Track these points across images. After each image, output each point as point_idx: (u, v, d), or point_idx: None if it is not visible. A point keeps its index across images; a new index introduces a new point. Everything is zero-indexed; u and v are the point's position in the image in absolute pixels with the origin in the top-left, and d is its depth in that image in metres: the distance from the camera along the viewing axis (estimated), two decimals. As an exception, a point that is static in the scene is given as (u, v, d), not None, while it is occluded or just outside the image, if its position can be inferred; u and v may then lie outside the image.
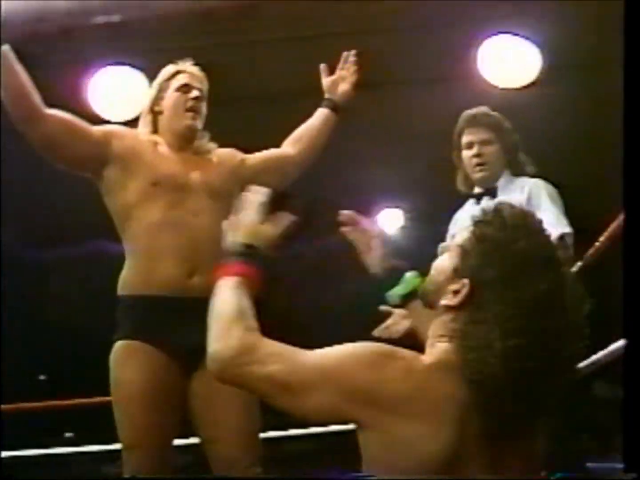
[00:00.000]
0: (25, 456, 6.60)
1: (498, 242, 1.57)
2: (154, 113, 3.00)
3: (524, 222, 1.60)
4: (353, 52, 3.16)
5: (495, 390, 1.49)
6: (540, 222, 1.62)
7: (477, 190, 3.36)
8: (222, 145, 3.06)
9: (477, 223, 1.62)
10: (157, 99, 3.01)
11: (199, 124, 2.99)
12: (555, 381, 1.54)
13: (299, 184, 3.12)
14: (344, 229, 2.16)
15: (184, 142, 2.95)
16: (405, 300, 2.08)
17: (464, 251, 1.61)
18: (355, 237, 2.15)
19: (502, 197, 3.22)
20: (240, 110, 6.93)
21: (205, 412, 2.68)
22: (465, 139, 3.31)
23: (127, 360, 2.64)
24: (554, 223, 3.06)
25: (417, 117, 7.60)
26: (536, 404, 1.54)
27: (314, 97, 3.20)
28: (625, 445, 1.76)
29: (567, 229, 3.16)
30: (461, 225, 3.25)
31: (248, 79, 6.83)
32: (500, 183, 3.32)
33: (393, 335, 2.33)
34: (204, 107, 3.03)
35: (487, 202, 3.21)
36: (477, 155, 3.28)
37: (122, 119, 6.20)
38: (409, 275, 2.08)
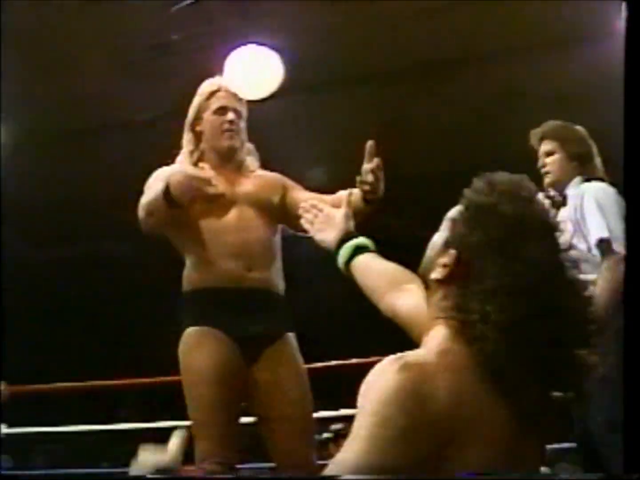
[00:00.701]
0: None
1: (483, 206, 1.48)
2: (195, 132, 3.13)
3: (513, 188, 1.49)
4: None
5: (502, 366, 1.38)
6: (534, 190, 1.52)
7: (555, 198, 3.55)
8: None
9: (466, 192, 1.52)
10: (197, 118, 3.13)
11: (238, 142, 3.12)
12: (564, 352, 1.42)
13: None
14: (303, 220, 2.12)
15: (226, 160, 3.11)
16: (348, 268, 1.95)
17: (453, 222, 1.53)
18: (312, 221, 2.09)
19: (569, 204, 3.45)
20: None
21: (265, 393, 2.86)
22: (539, 152, 3.61)
23: (198, 345, 2.81)
24: (595, 227, 3.30)
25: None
26: (547, 374, 1.41)
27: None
28: (626, 445, 1.69)
29: (605, 233, 3.28)
30: None
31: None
32: (570, 190, 3.51)
33: None
34: (242, 126, 3.14)
35: (562, 210, 3.47)
36: (543, 166, 3.57)
37: (256, 98, 6.47)
38: (353, 241, 1.97)
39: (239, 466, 2.93)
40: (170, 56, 7.04)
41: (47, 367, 10.01)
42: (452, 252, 1.49)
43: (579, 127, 3.66)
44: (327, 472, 1.32)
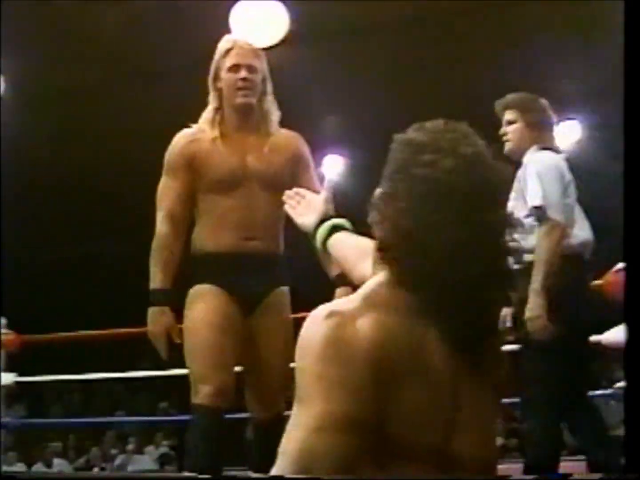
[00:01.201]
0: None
1: (403, 139, 1.50)
2: (217, 89, 3.21)
3: (440, 125, 1.49)
4: None
5: (426, 298, 1.39)
6: (459, 132, 1.48)
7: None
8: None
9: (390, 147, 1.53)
10: (216, 76, 3.20)
11: (253, 99, 3.17)
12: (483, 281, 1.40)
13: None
14: (286, 206, 2.20)
15: (243, 118, 3.19)
16: (324, 246, 2.02)
17: (384, 178, 1.53)
18: (294, 207, 2.17)
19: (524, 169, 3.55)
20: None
21: (256, 346, 3.09)
22: (503, 121, 3.73)
23: (198, 297, 3.07)
24: (532, 195, 3.44)
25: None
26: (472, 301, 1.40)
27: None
28: (626, 445, 1.71)
29: (539, 201, 3.42)
30: None
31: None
32: (526, 158, 3.61)
33: None
34: (257, 82, 3.17)
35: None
36: (504, 134, 3.70)
37: (263, 45, 7.06)
38: (329, 222, 2.02)
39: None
40: (177, 7, 7.00)
41: (66, 316, 10.14)
42: (378, 190, 1.50)
43: (541, 99, 3.76)
44: (283, 443, 1.36)
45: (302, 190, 2.19)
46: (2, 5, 5.94)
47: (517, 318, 3.40)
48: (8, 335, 5.85)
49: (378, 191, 1.50)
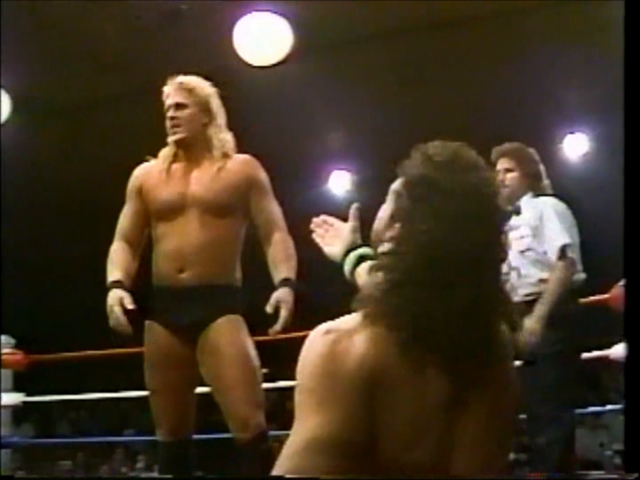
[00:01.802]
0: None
1: (422, 178, 1.48)
2: None
3: (452, 159, 1.49)
4: None
5: (418, 332, 1.41)
6: (471, 158, 1.52)
7: (508, 208, 4.00)
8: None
9: (405, 164, 1.54)
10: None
11: (183, 134, 3.26)
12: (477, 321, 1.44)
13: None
14: (315, 234, 2.19)
15: (184, 151, 3.29)
16: (352, 276, 2.03)
17: (397, 194, 1.54)
18: (323, 235, 2.17)
19: (524, 212, 3.98)
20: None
21: (208, 370, 3.16)
22: (497, 167, 4.06)
23: (147, 336, 3.24)
24: (558, 235, 3.82)
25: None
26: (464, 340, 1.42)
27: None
28: (626, 445, 1.71)
29: (568, 240, 3.81)
30: None
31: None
32: (523, 202, 4.03)
33: None
34: (185, 117, 3.26)
35: (514, 218, 3.96)
36: (502, 180, 4.03)
37: (266, 64, 6.78)
38: (357, 251, 2.05)
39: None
40: (180, 23, 7.03)
41: (70, 335, 10.11)
42: (397, 225, 1.51)
43: (531, 150, 4.17)
44: (280, 459, 1.38)
45: (330, 219, 2.18)
46: (7, 22, 5.98)
47: None
48: (15, 355, 5.85)
49: (397, 226, 1.50)
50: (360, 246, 2.05)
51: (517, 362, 3.75)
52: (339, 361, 1.39)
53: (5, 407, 5.67)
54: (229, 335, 3.16)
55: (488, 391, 1.48)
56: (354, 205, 2.12)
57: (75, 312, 12.18)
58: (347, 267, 2.04)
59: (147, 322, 3.25)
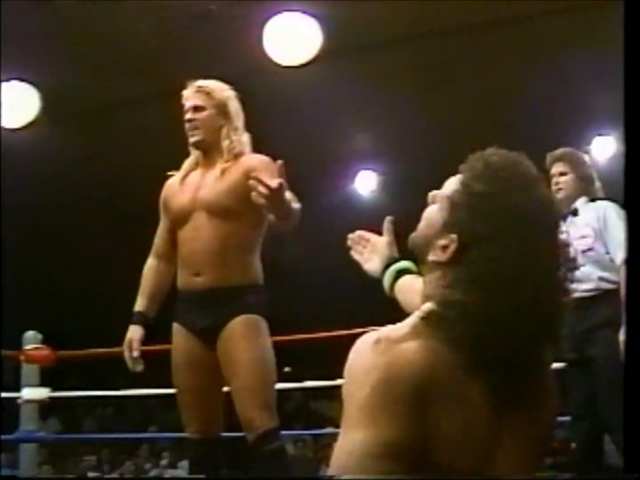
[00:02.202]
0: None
1: (488, 196, 1.47)
2: None
3: (516, 174, 1.49)
4: None
5: (477, 351, 1.41)
6: (533, 172, 1.52)
7: (563, 211, 3.99)
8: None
9: (466, 175, 1.52)
10: None
11: (200, 137, 3.33)
12: (536, 345, 1.47)
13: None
14: (352, 251, 2.19)
15: (202, 154, 3.37)
16: (392, 290, 2.04)
17: (453, 204, 1.51)
18: (361, 252, 2.17)
19: (582, 215, 4.09)
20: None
21: (226, 371, 3.22)
22: (551, 172, 4.20)
23: (174, 338, 3.34)
24: (622, 244, 3.85)
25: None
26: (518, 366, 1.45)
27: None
28: (626, 446, 1.72)
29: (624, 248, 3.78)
30: None
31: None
32: (579, 204, 4.15)
33: None
34: (202, 119, 3.32)
35: (570, 220, 4.09)
36: (556, 184, 4.18)
37: (295, 64, 6.85)
38: (394, 266, 2.06)
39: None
40: (209, 24, 7.05)
41: (98, 331, 10.14)
42: (454, 237, 1.48)
43: (584, 154, 4.34)
44: (331, 470, 1.38)
45: (365, 234, 2.17)
46: (38, 22, 6.03)
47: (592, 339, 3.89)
48: (43, 350, 5.88)
49: (454, 237, 1.49)
50: (397, 260, 2.07)
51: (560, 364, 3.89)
52: (390, 372, 1.38)
53: (31, 402, 5.71)
54: (241, 337, 3.20)
55: (532, 399, 1.50)
56: (388, 219, 2.11)
57: (103, 309, 12.28)
58: (386, 282, 2.05)
59: (174, 324, 3.34)
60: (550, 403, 1.56)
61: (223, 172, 3.28)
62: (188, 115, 3.34)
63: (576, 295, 3.83)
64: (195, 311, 3.24)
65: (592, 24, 7.32)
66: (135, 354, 3.27)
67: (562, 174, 4.20)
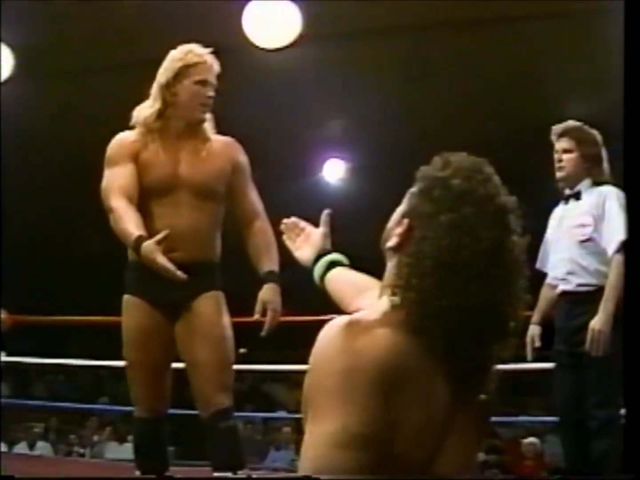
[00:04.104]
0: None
1: (436, 179, 1.50)
2: (172, 94, 3.21)
3: (469, 166, 1.51)
4: None
5: (435, 338, 1.43)
6: (491, 172, 1.52)
7: (567, 192, 3.91)
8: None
9: (423, 167, 1.56)
10: (175, 82, 3.20)
11: (206, 116, 3.27)
12: (496, 326, 1.47)
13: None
14: (285, 237, 2.21)
15: (190, 129, 3.26)
16: (322, 283, 2.05)
17: (410, 194, 1.56)
18: (293, 239, 2.19)
19: (584, 201, 3.80)
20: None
21: (184, 347, 3.20)
22: (555, 147, 3.90)
23: (126, 310, 3.24)
24: (620, 228, 3.60)
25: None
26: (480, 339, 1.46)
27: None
28: (626, 446, 1.73)
29: (623, 237, 3.58)
30: (553, 223, 3.94)
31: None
32: (583, 187, 3.84)
33: None
34: (212, 97, 3.25)
35: (572, 204, 3.85)
36: (559, 161, 3.88)
37: (273, 47, 6.82)
38: (326, 257, 2.07)
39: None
40: (191, 2, 7.02)
41: (57, 299, 10.07)
42: (405, 220, 1.51)
43: (594, 131, 3.93)
44: (301, 459, 1.38)
45: (301, 222, 2.19)
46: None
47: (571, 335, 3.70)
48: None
49: (406, 221, 1.52)
50: (330, 252, 2.08)
51: (549, 365, 3.91)
52: (360, 358, 1.37)
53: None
54: (207, 314, 3.19)
55: (480, 394, 1.52)
56: (325, 212, 2.12)
57: (63, 276, 12.21)
58: (317, 273, 2.06)
59: (125, 297, 3.25)
60: (493, 400, 1.57)
61: (206, 154, 3.26)
62: (211, 93, 3.22)
63: (568, 289, 3.76)
64: (162, 284, 3.06)
65: (574, 28, 7.38)
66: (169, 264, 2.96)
67: (565, 151, 3.88)
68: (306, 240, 2.14)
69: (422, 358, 1.42)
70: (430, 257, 1.43)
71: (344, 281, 2.00)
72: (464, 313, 1.42)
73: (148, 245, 2.95)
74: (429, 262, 1.43)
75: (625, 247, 3.49)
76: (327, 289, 2.03)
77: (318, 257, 2.07)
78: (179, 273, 2.93)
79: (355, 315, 1.45)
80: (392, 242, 1.53)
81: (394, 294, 1.48)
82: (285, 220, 2.22)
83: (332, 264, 2.05)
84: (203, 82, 3.21)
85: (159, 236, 2.95)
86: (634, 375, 1.77)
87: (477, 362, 1.47)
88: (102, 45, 8.02)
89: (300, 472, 1.37)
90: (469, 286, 1.42)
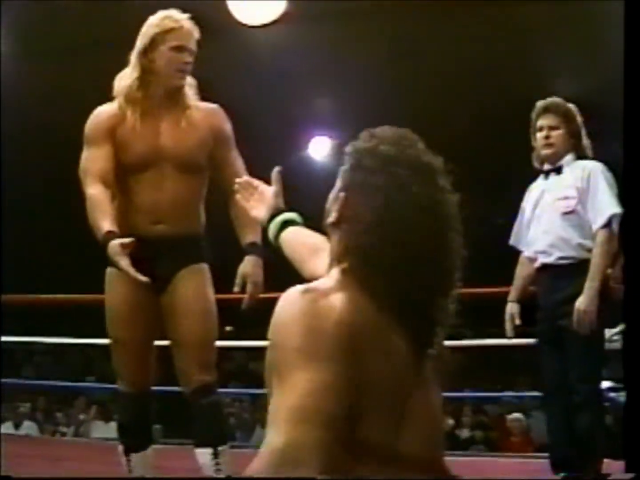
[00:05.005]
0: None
1: (364, 149, 1.56)
2: (149, 61, 3.16)
3: (393, 135, 1.58)
4: None
5: (388, 297, 1.47)
6: (416, 139, 1.59)
7: (546, 167, 3.92)
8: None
9: (351, 143, 1.62)
10: (151, 48, 3.15)
11: (185, 81, 3.20)
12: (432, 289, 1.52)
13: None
14: (239, 196, 2.24)
15: (169, 96, 3.19)
16: (276, 240, 2.09)
17: (342, 171, 1.61)
18: (247, 199, 2.22)
19: (567, 175, 3.81)
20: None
21: (169, 322, 3.15)
22: (538, 123, 3.90)
23: (110, 283, 3.17)
24: (607, 203, 3.66)
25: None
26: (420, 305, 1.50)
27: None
28: (626, 446, 1.75)
29: (617, 210, 3.65)
30: (531, 197, 3.94)
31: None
32: (565, 162, 3.86)
33: None
34: (191, 62, 3.18)
35: (553, 178, 3.86)
36: (546, 137, 3.86)
37: (257, 23, 6.80)
38: (280, 217, 2.10)
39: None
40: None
41: (42, 278, 10.02)
42: (341, 195, 1.56)
43: (573, 106, 3.95)
44: (270, 414, 1.39)
45: (254, 181, 2.22)
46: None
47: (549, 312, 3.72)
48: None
49: (341, 195, 1.56)
50: (283, 211, 2.11)
51: (532, 340, 3.92)
52: (320, 318, 1.41)
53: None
54: (192, 290, 3.15)
55: (438, 361, 1.56)
56: (276, 169, 2.15)
57: (51, 253, 12.19)
58: (271, 233, 2.09)
59: (109, 270, 3.16)
60: (446, 365, 1.62)
61: (187, 124, 3.20)
62: (188, 58, 3.15)
63: (549, 261, 3.76)
64: (148, 258, 3.03)
65: (561, 10, 7.38)
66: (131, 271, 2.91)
67: (552, 128, 3.89)
68: (260, 200, 2.17)
69: (377, 316, 1.45)
70: (366, 219, 1.49)
71: (297, 242, 2.03)
72: (406, 268, 1.47)
73: (113, 246, 2.91)
74: (366, 224, 1.49)
75: (624, 247, 3.45)
76: (282, 248, 2.07)
77: (272, 217, 2.10)
78: (140, 278, 2.88)
79: (310, 284, 1.49)
80: (331, 218, 1.58)
81: (340, 262, 1.53)
82: (238, 180, 2.26)
83: (286, 223, 2.08)
84: (179, 48, 3.14)
85: (125, 240, 2.90)
86: (634, 375, 1.80)
87: (427, 316, 1.51)
88: (90, 22, 7.97)
89: (272, 423, 1.37)
90: (407, 242, 1.47)
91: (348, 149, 1.60)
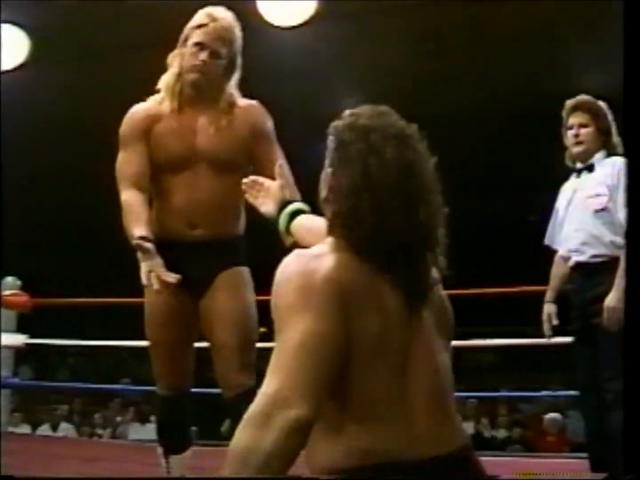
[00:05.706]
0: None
1: (344, 125, 1.68)
2: (180, 55, 3.15)
3: (371, 109, 1.70)
4: None
5: (373, 252, 1.58)
6: (392, 112, 1.72)
7: (578, 165, 3.92)
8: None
9: (332, 124, 1.74)
10: (183, 43, 3.15)
11: (204, 80, 3.10)
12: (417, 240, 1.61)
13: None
14: (248, 195, 2.32)
15: (196, 93, 3.13)
16: (288, 232, 2.16)
17: (327, 151, 1.72)
18: (256, 196, 2.31)
19: (598, 172, 3.80)
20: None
21: (208, 326, 3.13)
22: (569, 122, 3.91)
23: (147, 289, 3.01)
24: None
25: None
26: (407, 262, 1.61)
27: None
28: (626, 446, 1.74)
29: None
30: (564, 196, 3.93)
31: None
32: (596, 159, 3.85)
33: None
34: (214, 67, 3.11)
35: (585, 176, 3.85)
36: (576, 135, 3.88)
37: (287, 25, 6.86)
38: (288, 208, 2.18)
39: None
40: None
41: (77, 280, 10.07)
42: (328, 170, 1.70)
43: (603, 103, 3.93)
44: (272, 363, 1.51)
45: (259, 179, 2.31)
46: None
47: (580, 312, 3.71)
48: (21, 296, 5.89)
49: (328, 171, 1.69)
50: (290, 202, 2.21)
51: (569, 339, 3.89)
52: (311, 276, 1.54)
53: (7, 348, 5.72)
54: (230, 293, 3.12)
55: (433, 310, 1.66)
56: (278, 164, 2.28)
57: (84, 257, 12.25)
58: (282, 224, 2.17)
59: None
60: (449, 315, 1.73)
61: (226, 123, 3.14)
62: (204, 57, 3.08)
63: (582, 260, 3.73)
64: (186, 263, 3.01)
65: (584, 8, 7.32)
66: (168, 277, 2.85)
67: (582, 125, 3.89)
68: (267, 195, 2.26)
69: (369, 274, 1.57)
70: (348, 186, 1.61)
71: (307, 228, 2.11)
72: (386, 228, 1.58)
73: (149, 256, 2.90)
74: (347, 190, 1.61)
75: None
76: (295, 238, 2.15)
77: (280, 210, 2.19)
78: (168, 278, 2.82)
79: (304, 249, 1.66)
80: (322, 194, 1.71)
81: (332, 231, 1.66)
82: (244, 180, 2.36)
83: (295, 214, 2.17)
84: (199, 45, 3.09)
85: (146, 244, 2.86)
86: (634, 375, 1.82)
87: (415, 272, 1.62)
88: (117, 25, 8.00)
89: (275, 369, 1.50)
90: (385, 203, 1.58)
91: (329, 130, 1.72)
